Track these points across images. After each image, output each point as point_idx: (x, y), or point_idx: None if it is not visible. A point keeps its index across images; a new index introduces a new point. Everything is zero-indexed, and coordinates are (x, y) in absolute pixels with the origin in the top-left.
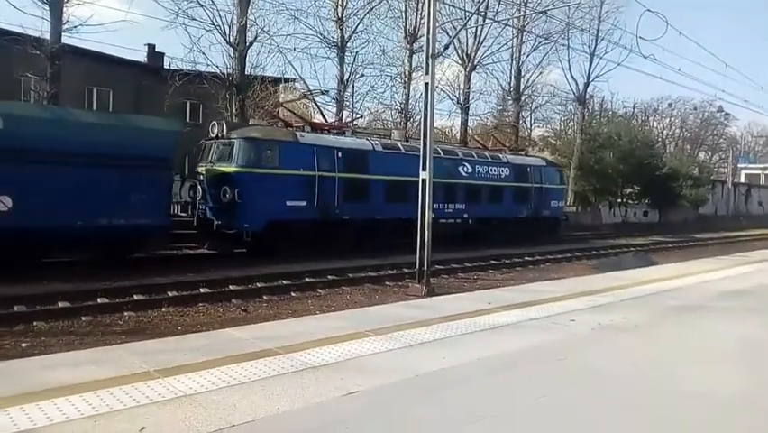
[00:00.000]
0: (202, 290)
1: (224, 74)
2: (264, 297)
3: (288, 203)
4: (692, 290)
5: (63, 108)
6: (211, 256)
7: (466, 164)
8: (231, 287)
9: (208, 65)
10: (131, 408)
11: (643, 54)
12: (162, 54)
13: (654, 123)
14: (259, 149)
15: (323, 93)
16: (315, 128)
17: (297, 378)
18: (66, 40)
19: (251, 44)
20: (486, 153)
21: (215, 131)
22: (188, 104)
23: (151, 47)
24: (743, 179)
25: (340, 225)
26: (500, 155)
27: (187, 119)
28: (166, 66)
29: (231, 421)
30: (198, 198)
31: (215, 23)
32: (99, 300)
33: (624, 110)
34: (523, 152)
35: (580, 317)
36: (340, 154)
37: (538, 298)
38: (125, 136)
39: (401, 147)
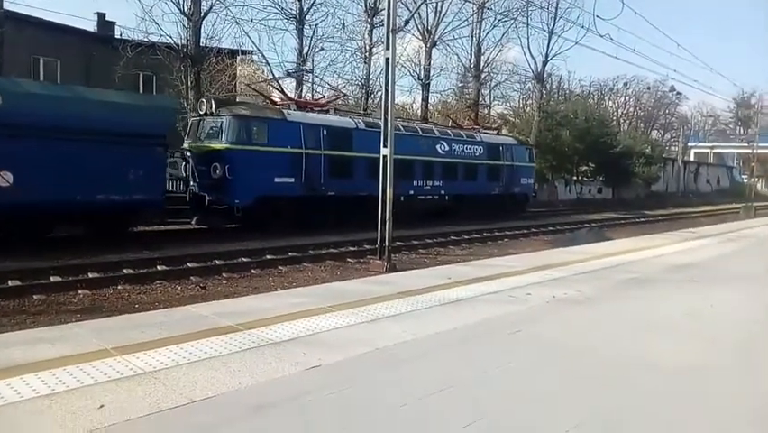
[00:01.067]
0: (159, 268)
1: (178, 45)
2: (224, 274)
3: (276, 179)
4: (643, 264)
5: (63, 85)
6: (169, 233)
7: (443, 142)
8: (189, 264)
9: (162, 35)
10: (88, 385)
11: (599, 33)
12: (113, 23)
13: (610, 102)
14: (248, 126)
15: (308, 72)
16: (300, 106)
17: (259, 354)
18: (8, 6)
19: (206, 14)
20: (461, 132)
21: (204, 108)
22: (141, 75)
23: (101, 15)
24: (692, 158)
25: (325, 200)
26: (474, 134)
27: (140, 91)
28: (117, 36)
29: (192, 397)
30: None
31: None
32: (52, 279)
33: (581, 89)
34: (495, 131)
35: (535, 290)
36: (325, 132)
37: (496, 272)
38: (123, 113)
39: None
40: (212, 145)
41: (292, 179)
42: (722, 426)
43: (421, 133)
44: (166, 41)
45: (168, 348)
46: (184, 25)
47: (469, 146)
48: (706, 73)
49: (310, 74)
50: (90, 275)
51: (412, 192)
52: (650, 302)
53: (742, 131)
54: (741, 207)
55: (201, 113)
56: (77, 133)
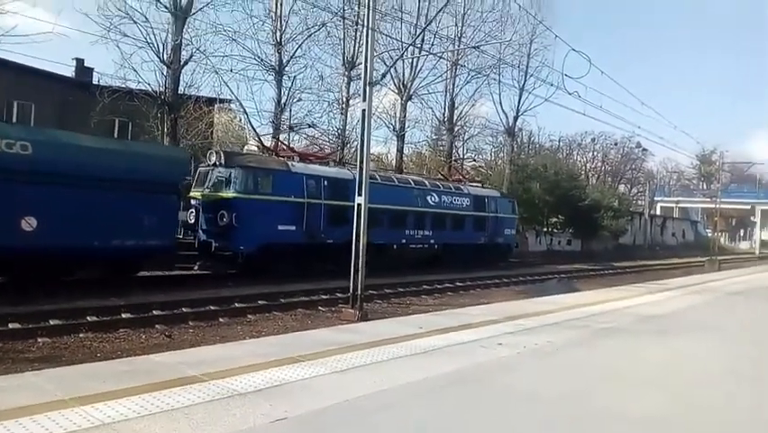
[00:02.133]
0: (124, 316)
1: (155, 92)
2: (190, 322)
3: (279, 227)
4: (612, 315)
5: (85, 135)
6: (132, 280)
7: (433, 194)
8: (155, 312)
9: (139, 82)
10: None
11: (568, 91)
12: (91, 69)
13: (578, 156)
14: (255, 177)
15: (310, 126)
16: (303, 158)
17: (224, 405)
18: None
19: (185, 63)
20: (450, 184)
21: (213, 159)
22: (117, 121)
23: (80, 62)
24: (658, 212)
25: (324, 248)
26: (462, 186)
27: (116, 137)
28: (95, 81)
29: None
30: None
31: (149, 41)
32: (10, 325)
33: (550, 143)
34: (480, 184)
35: (506, 340)
36: (326, 183)
37: (468, 322)
38: (141, 163)
39: (378, 177)
40: (220, 194)
41: (294, 227)
42: None
43: (413, 184)
44: (144, 88)
45: (128, 399)
46: (163, 73)
47: (456, 198)
48: (670, 130)
49: (313, 128)
50: (51, 322)
51: (404, 241)
52: (619, 353)
53: (705, 186)
54: (705, 260)
55: (210, 163)
56: (98, 181)
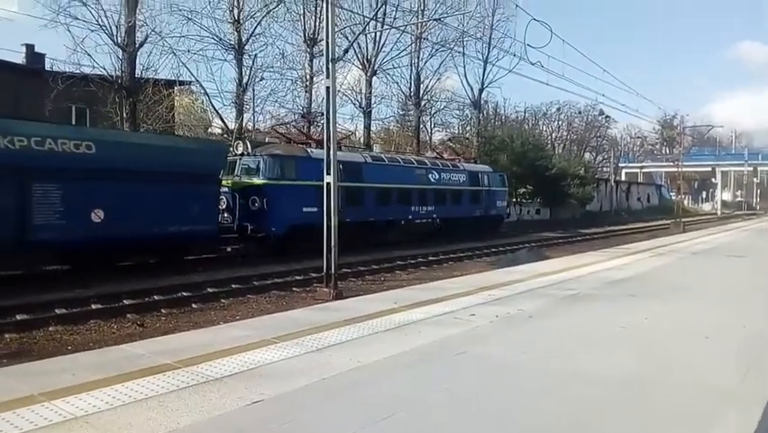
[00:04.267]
0: (93, 306)
1: (112, 76)
2: (162, 310)
3: (304, 209)
4: (581, 281)
5: (139, 133)
6: (98, 270)
7: (434, 172)
8: (125, 301)
9: (94, 67)
10: None
11: (531, 61)
12: (43, 55)
13: (544, 126)
14: (282, 164)
15: (322, 114)
16: (320, 144)
17: (198, 391)
18: None
19: (141, 45)
20: (447, 162)
21: (240, 149)
22: (74, 108)
23: (30, 47)
24: (623, 178)
25: (343, 226)
26: (458, 163)
27: (73, 124)
28: (48, 68)
29: None
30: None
31: (101, 23)
32: None
33: (516, 114)
34: (473, 160)
35: (479, 311)
36: (341, 166)
37: (441, 295)
38: (189, 156)
39: (385, 159)
40: (251, 181)
41: (316, 209)
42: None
43: (416, 164)
44: (99, 73)
45: (100, 390)
46: (118, 56)
47: (454, 174)
48: (632, 97)
49: (320, 115)
50: (18, 317)
51: (410, 217)
52: (589, 317)
53: (668, 150)
54: (670, 222)
55: (237, 153)
56: (153, 174)
